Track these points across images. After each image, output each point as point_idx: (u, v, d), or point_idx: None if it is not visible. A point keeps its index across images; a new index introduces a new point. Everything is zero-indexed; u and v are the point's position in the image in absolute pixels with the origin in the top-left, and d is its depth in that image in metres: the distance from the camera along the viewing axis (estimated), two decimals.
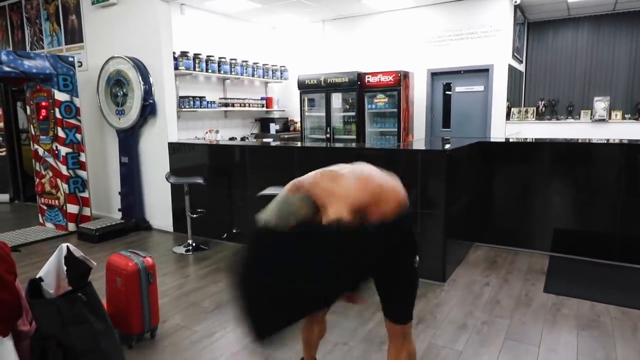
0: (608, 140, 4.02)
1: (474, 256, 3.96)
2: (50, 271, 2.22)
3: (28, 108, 5.10)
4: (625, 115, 6.92)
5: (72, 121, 4.88)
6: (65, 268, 2.22)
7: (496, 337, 2.53)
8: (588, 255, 3.80)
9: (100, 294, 2.38)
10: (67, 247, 2.19)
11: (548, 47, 7.64)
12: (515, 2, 6.06)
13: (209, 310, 2.95)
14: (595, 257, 3.76)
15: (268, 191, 3.45)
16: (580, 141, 4.23)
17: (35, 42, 6.19)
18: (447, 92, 6.82)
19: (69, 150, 4.87)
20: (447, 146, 3.69)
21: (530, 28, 7.68)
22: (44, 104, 4.85)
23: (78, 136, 4.96)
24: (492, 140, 4.55)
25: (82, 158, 5.02)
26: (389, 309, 1.69)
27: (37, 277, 2.00)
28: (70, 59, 4.91)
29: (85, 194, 5.06)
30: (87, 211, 5.08)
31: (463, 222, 3.96)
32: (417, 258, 1.65)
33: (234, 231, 4.51)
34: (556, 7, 6.76)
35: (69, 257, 2.18)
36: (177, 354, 2.40)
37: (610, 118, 6.87)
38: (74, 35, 5.56)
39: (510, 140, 4.34)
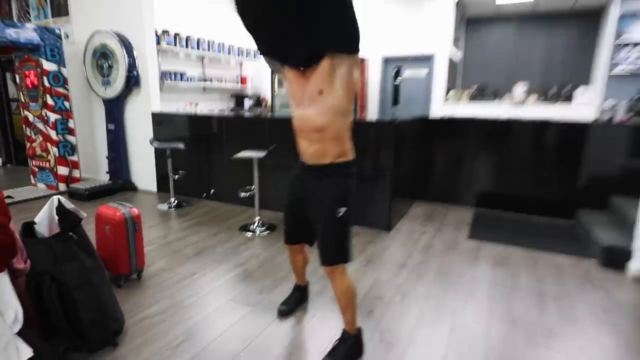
0: (520, 119, 4.16)
1: (415, 211, 4.09)
2: (43, 220, 2.10)
3: (17, 77, 4.67)
4: (539, 98, 7.19)
5: (60, 90, 4.53)
6: (57, 218, 2.11)
7: (429, 272, 2.65)
8: (504, 209, 4.02)
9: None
10: (58, 199, 2.08)
11: (481, 39, 7.74)
12: None
13: (190, 255, 2.91)
14: (509, 210, 3.99)
15: (242, 154, 3.38)
16: (498, 119, 4.35)
17: (22, 16, 5.61)
18: (398, 76, 6.82)
19: (58, 116, 4.54)
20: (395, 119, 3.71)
21: (468, 23, 7.72)
22: (32, 72, 4.46)
23: (66, 104, 4.61)
24: (430, 117, 4.61)
25: (71, 124, 4.69)
26: (322, 255, 1.67)
27: (33, 220, 1.89)
28: (57, 31, 4.49)
29: (74, 158, 4.77)
30: (76, 173, 4.80)
31: (406, 183, 4.05)
32: (341, 210, 1.58)
33: (212, 191, 4.42)
34: (488, 6, 6.80)
35: (60, 208, 2.07)
36: (161, 291, 2.36)
37: (526, 100, 7.11)
38: (60, 9, 5.07)
39: (445, 117, 4.42)
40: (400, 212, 3.87)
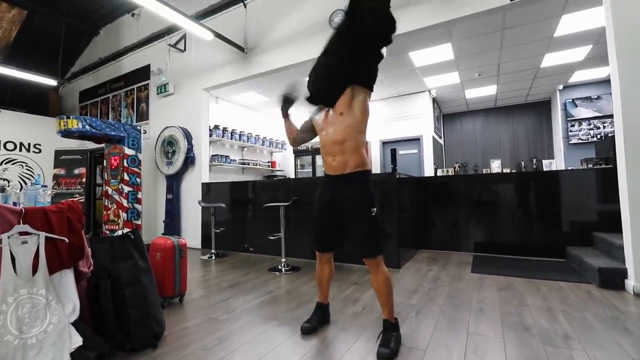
0: (502, 171, 4.14)
1: (420, 256, 3.84)
2: None
3: (105, 161, 5.06)
4: (512, 171, 7.20)
5: (135, 169, 4.84)
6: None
7: (440, 296, 2.38)
8: (499, 253, 3.73)
9: None
10: (123, 231, 2.09)
11: (457, 129, 8.14)
12: (433, 95, 6.55)
13: (225, 287, 2.73)
14: (504, 254, 3.69)
15: (272, 204, 3.40)
16: (484, 172, 4.33)
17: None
18: (394, 155, 7.05)
19: (131, 189, 4.76)
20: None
21: (445, 117, 8.23)
22: (116, 158, 4.84)
23: (138, 180, 4.87)
24: (426, 176, 4.63)
25: (139, 195, 4.89)
26: (360, 248, 1.60)
27: (99, 230, 1.86)
28: (138, 127, 5.00)
29: (138, 222, 4.84)
30: None
31: (410, 234, 3.89)
32: (373, 210, 1.58)
33: (246, 246, 4.32)
34: (459, 102, 7.33)
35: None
36: (199, 310, 2.17)
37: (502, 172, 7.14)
38: (143, 116, 5.72)
39: (439, 175, 4.42)
40: (407, 256, 3.63)
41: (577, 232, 3.36)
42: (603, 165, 3.75)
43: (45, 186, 1.62)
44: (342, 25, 1.54)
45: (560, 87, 6.32)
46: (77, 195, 6.66)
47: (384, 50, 1.58)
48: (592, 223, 3.30)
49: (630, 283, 2.31)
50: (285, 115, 1.86)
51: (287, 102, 1.84)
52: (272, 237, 3.41)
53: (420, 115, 6.45)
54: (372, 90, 1.64)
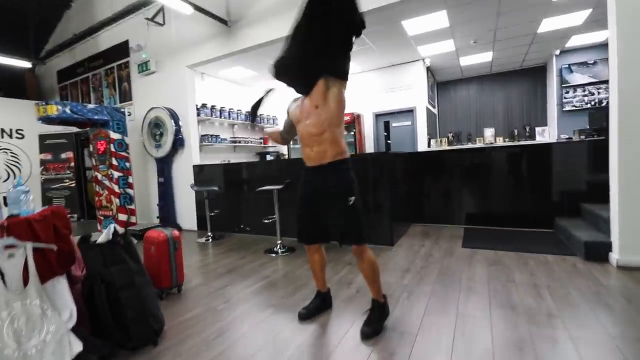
0: (495, 146, 4.12)
1: (413, 231, 3.91)
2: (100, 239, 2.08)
3: (91, 146, 4.92)
4: (505, 139, 7.18)
5: (123, 153, 4.72)
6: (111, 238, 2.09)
7: (431, 275, 2.45)
8: (490, 225, 3.81)
9: None
10: (114, 226, 2.08)
11: (451, 97, 7.98)
12: (427, 64, 6.34)
13: (222, 273, 2.78)
14: (494, 226, 3.78)
15: (265, 188, 3.37)
16: (477, 148, 4.31)
17: (98, 103, 6.06)
18: (387, 127, 6.96)
19: (121, 174, 4.68)
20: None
21: (439, 86, 8.03)
22: (102, 142, 4.70)
23: (127, 164, 4.78)
24: (419, 151, 4.60)
25: (130, 180, 4.81)
26: (343, 238, 1.62)
27: (88, 234, 1.85)
28: (122, 110, 4.81)
29: (132, 206, 4.82)
30: (133, 219, 4.81)
31: (403, 208, 3.93)
32: (352, 199, 1.57)
33: (241, 226, 4.35)
34: (454, 70, 7.11)
35: (115, 232, 2.07)
36: (197, 300, 2.22)
37: (495, 141, 7.11)
38: (126, 96, 5.48)
39: (431, 150, 4.40)
40: (400, 232, 3.70)
41: (567, 203, 3.42)
42: (595, 137, 3.74)
43: (28, 191, 1.56)
44: (315, 10, 1.44)
45: (557, 52, 6.14)
46: (67, 180, 6.55)
47: (353, 39, 1.50)
48: (581, 193, 3.36)
49: (614, 256, 2.39)
50: (254, 124, 1.85)
51: (254, 112, 1.82)
52: (266, 221, 3.43)
53: (414, 86, 6.27)
54: (346, 80, 1.58)
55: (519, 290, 2.06)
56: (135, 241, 1.98)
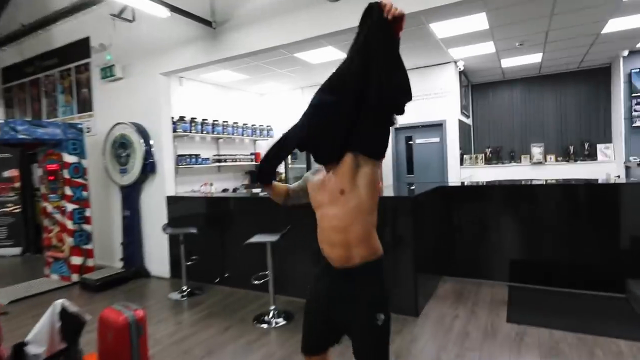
0: (546, 180, 4.02)
1: (443, 289, 3.79)
2: (42, 330, 2.00)
3: (40, 170, 4.88)
4: (558, 158, 7.07)
5: (80, 180, 4.68)
6: (59, 324, 2.02)
7: None
8: (541, 283, 3.68)
9: (94, 347, 2.17)
10: (62, 303, 2.01)
11: (489, 103, 7.89)
12: (460, 68, 6.28)
13: (200, 357, 2.67)
14: (547, 285, 3.64)
15: (255, 239, 3.28)
16: (523, 183, 4.22)
17: (51, 112, 6.06)
18: (409, 143, 6.87)
19: (76, 206, 4.63)
20: (412, 191, 3.61)
21: (474, 89, 7.95)
22: (53, 166, 4.65)
23: (84, 193, 4.73)
24: (450, 184, 4.50)
25: (87, 213, 4.76)
26: None
27: (24, 341, 1.77)
28: (80, 126, 4.78)
29: (89, 246, 4.76)
30: (90, 262, 4.75)
31: (430, 258, 3.82)
32: (381, 318, 1.40)
33: (226, 275, 4.25)
34: (493, 72, 7.03)
35: (63, 312, 2.01)
36: None
37: (546, 160, 7.00)
38: (85, 105, 5.46)
39: (465, 184, 4.30)
40: (427, 290, 3.59)
41: None
42: None
43: None
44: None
45: (625, 53, 6.04)
46: (11, 205, 6.52)
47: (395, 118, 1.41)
48: None
49: None
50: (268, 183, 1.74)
51: (273, 164, 1.75)
52: (256, 281, 3.33)
53: (444, 94, 6.20)
54: (383, 157, 1.46)
55: None
56: (88, 318, 1.92)
